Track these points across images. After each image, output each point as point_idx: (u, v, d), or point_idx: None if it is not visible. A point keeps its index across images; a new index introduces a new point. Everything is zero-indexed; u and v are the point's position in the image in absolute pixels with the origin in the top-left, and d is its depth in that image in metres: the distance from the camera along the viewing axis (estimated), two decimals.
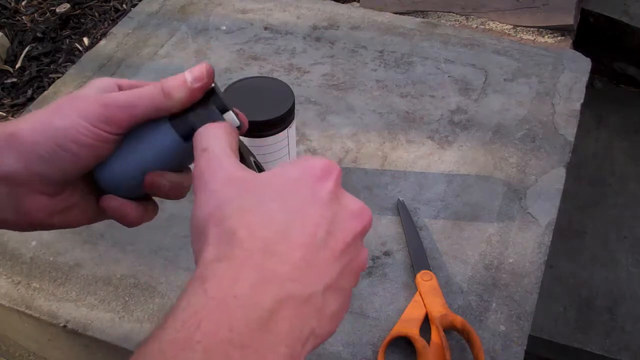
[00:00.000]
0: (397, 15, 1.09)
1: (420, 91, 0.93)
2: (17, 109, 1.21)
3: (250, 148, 0.70)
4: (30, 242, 0.75)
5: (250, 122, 0.68)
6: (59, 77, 1.02)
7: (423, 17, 1.12)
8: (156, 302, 0.69)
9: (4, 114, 1.20)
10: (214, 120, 0.44)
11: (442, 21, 1.12)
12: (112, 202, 0.45)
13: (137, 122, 0.44)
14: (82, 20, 1.40)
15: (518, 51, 1.00)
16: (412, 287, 0.70)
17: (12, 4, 1.44)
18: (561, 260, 1.20)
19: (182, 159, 0.46)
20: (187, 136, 0.44)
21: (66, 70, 1.06)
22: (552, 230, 0.76)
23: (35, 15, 1.41)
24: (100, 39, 1.05)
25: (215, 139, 0.41)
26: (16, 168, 0.42)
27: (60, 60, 1.30)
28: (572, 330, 1.12)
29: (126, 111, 0.43)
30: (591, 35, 1.41)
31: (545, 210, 0.77)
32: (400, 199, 0.78)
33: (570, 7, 1.12)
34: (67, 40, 1.35)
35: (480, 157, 0.84)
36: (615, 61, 1.50)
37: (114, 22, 1.36)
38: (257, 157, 0.73)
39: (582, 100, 0.93)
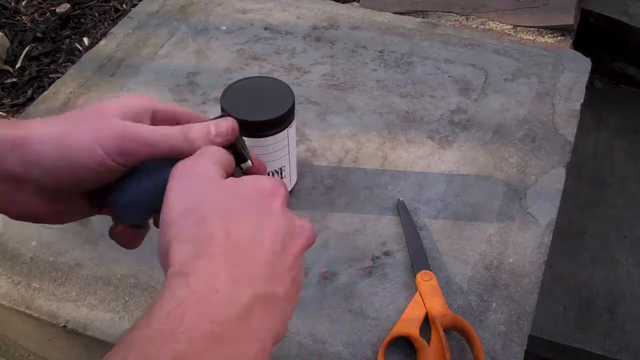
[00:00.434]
0: (397, 15, 1.09)
1: (420, 91, 0.93)
2: (17, 109, 1.21)
3: (250, 148, 0.70)
4: (30, 242, 0.75)
5: (250, 122, 0.69)
6: (59, 77, 1.02)
7: (423, 17, 1.12)
8: None
9: (4, 114, 1.20)
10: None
11: (442, 21, 1.12)
12: (126, 232, 0.47)
13: (151, 158, 0.44)
14: (82, 20, 1.40)
15: (518, 51, 1.00)
16: (412, 287, 0.70)
17: (12, 4, 1.44)
18: (561, 260, 1.20)
19: None
20: None
21: (66, 70, 1.06)
22: (552, 230, 0.76)
23: (35, 15, 1.41)
24: (100, 39, 1.05)
25: (216, 155, 0.43)
26: (17, 170, 0.42)
27: (60, 60, 1.30)
28: (572, 330, 1.12)
29: (146, 149, 0.43)
30: (591, 35, 1.41)
31: (545, 210, 0.77)
32: (400, 199, 0.78)
33: (570, 7, 1.12)
34: (67, 40, 1.35)
35: (480, 157, 0.84)
36: (615, 61, 1.50)
37: (114, 22, 1.36)
38: (257, 157, 0.73)
39: (582, 100, 0.93)
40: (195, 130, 0.44)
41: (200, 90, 0.93)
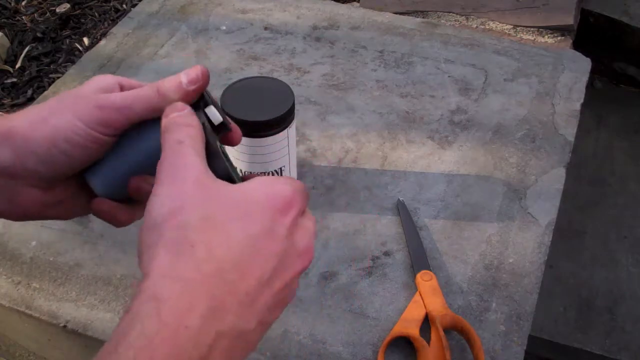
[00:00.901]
0: (397, 15, 1.09)
1: (420, 91, 0.93)
2: (17, 109, 1.21)
3: (250, 148, 0.70)
4: (30, 242, 0.75)
5: (250, 122, 0.69)
6: (59, 77, 1.02)
7: (423, 17, 1.12)
8: None
9: (4, 114, 1.20)
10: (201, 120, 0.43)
11: (442, 21, 1.12)
12: (103, 205, 0.45)
13: (132, 123, 0.43)
14: (82, 20, 1.40)
15: (518, 51, 1.00)
16: (412, 287, 0.70)
17: (12, 4, 1.44)
18: (561, 260, 1.20)
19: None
20: None
21: (66, 70, 1.06)
22: (552, 230, 0.76)
23: (35, 15, 1.41)
24: (100, 39, 1.06)
25: (192, 137, 0.40)
26: (11, 162, 0.42)
27: (60, 60, 1.30)
28: (572, 330, 1.12)
29: (122, 113, 0.43)
30: (591, 35, 1.41)
31: (545, 210, 0.77)
32: (400, 199, 0.78)
33: (570, 7, 1.12)
34: (67, 40, 1.35)
35: (480, 157, 0.84)
36: (615, 61, 1.50)
37: (114, 22, 1.36)
38: (257, 157, 0.73)
39: (582, 100, 0.93)
40: (167, 83, 0.43)
41: None
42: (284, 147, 0.72)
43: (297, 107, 0.74)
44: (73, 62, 1.26)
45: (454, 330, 0.66)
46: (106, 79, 0.45)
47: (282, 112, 0.69)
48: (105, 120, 0.42)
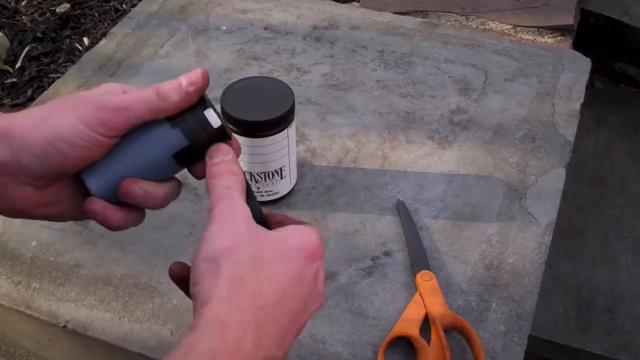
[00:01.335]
0: (397, 15, 1.09)
1: (420, 91, 0.93)
2: (17, 109, 1.21)
3: (250, 148, 0.70)
4: (30, 242, 0.75)
5: (250, 122, 0.69)
6: (59, 77, 1.02)
7: (423, 17, 1.12)
8: (156, 302, 0.69)
9: (4, 113, 1.19)
10: (201, 122, 0.44)
11: (442, 21, 1.12)
12: (94, 205, 0.45)
13: (132, 124, 0.44)
14: (82, 20, 1.40)
15: (518, 51, 1.00)
16: (412, 287, 0.70)
17: (12, 4, 1.44)
18: (561, 260, 1.20)
19: (167, 166, 0.45)
20: (179, 138, 0.44)
21: (66, 70, 1.06)
22: (552, 230, 0.76)
23: (35, 15, 1.41)
24: (100, 39, 1.06)
25: (238, 183, 0.44)
26: (7, 159, 0.42)
27: (60, 60, 1.30)
28: (572, 330, 1.12)
29: (121, 114, 0.43)
30: (591, 35, 1.41)
31: (545, 210, 0.77)
32: (400, 199, 0.78)
33: (570, 7, 1.12)
34: (67, 40, 1.35)
35: (480, 157, 0.84)
36: (615, 61, 1.50)
37: (114, 22, 1.36)
38: (257, 157, 0.73)
39: (582, 100, 0.93)
40: (167, 85, 0.44)
41: None
42: (284, 147, 0.72)
43: (297, 107, 0.74)
44: (73, 62, 1.26)
45: (454, 330, 0.66)
46: (112, 86, 0.46)
47: (282, 112, 0.69)
48: (104, 121, 0.42)
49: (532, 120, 0.89)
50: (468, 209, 0.78)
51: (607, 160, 1.39)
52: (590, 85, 1.10)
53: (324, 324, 0.67)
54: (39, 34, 1.35)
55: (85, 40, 1.35)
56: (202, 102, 0.45)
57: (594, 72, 1.07)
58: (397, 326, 0.65)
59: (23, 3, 1.44)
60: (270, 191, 0.75)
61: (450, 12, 1.13)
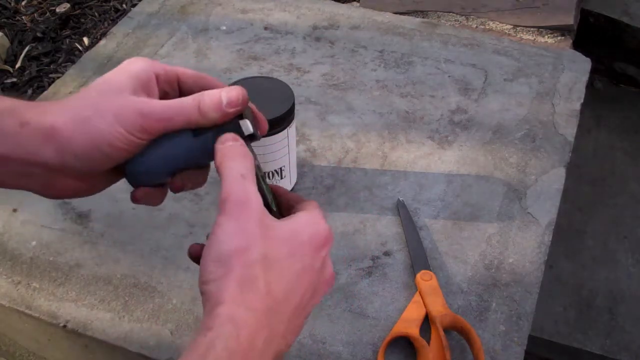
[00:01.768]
0: (397, 15, 1.09)
1: (420, 91, 0.93)
2: None
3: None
4: (30, 242, 0.75)
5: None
6: (58, 77, 1.02)
7: (423, 17, 1.12)
8: (156, 302, 0.69)
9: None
10: (236, 129, 0.47)
11: (442, 21, 1.11)
12: (141, 194, 0.49)
13: (169, 131, 0.47)
14: (82, 20, 1.40)
15: (518, 51, 1.00)
16: (412, 287, 0.70)
17: (12, 4, 1.44)
18: (561, 260, 1.20)
19: (202, 160, 0.49)
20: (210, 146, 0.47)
21: (66, 70, 1.06)
22: (552, 230, 0.76)
23: (35, 15, 1.41)
24: (100, 39, 1.06)
25: (250, 170, 0.45)
26: (52, 160, 0.44)
27: (60, 60, 1.30)
28: (572, 330, 1.12)
29: (162, 123, 0.46)
30: (591, 35, 1.41)
31: (545, 210, 0.77)
32: (400, 199, 0.78)
33: (570, 7, 1.12)
34: (67, 40, 1.35)
35: (480, 157, 0.84)
36: (615, 61, 1.50)
37: (114, 22, 1.36)
38: (257, 157, 0.73)
39: (582, 100, 0.93)
40: (207, 100, 0.46)
41: None
42: (284, 147, 0.72)
43: (297, 107, 0.74)
44: (73, 62, 1.25)
45: (454, 330, 0.66)
46: (141, 66, 0.48)
47: (282, 112, 0.69)
48: (144, 128, 0.45)
49: (532, 120, 0.89)
50: (468, 209, 0.78)
51: (607, 160, 1.39)
52: (590, 85, 1.10)
53: (324, 323, 0.67)
54: (39, 34, 1.35)
55: (85, 40, 1.35)
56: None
57: (594, 72, 1.07)
58: (397, 326, 0.65)
59: (23, 3, 1.44)
60: None
61: (450, 12, 1.13)
